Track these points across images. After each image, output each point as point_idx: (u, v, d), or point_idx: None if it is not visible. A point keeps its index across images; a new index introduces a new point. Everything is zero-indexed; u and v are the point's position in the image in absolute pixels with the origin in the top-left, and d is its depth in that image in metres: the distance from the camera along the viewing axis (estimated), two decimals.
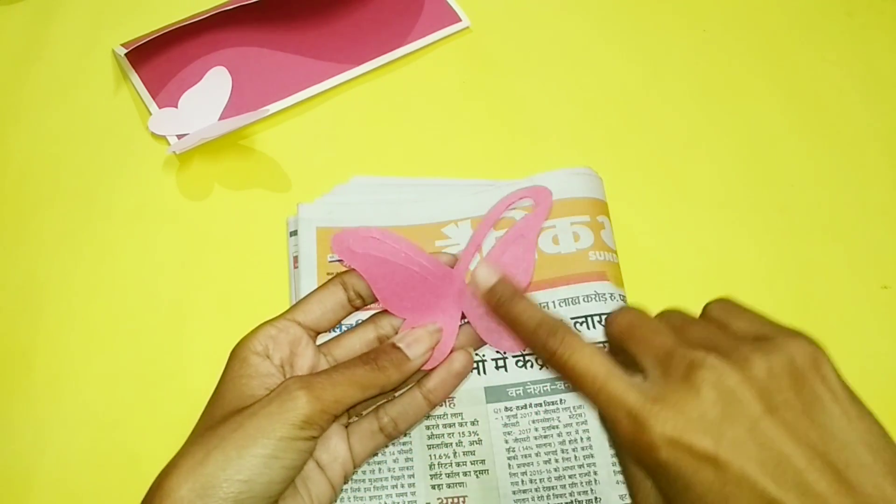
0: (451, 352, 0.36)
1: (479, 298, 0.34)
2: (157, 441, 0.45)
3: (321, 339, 0.37)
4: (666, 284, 0.51)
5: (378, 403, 0.36)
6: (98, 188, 0.53)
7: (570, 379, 0.29)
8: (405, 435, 0.38)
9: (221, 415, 0.32)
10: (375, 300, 0.36)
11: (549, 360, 0.29)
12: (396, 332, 0.36)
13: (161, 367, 0.48)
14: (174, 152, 0.53)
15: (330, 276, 0.36)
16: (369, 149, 0.55)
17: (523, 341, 0.31)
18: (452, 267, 0.37)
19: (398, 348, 0.34)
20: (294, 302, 0.42)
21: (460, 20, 0.60)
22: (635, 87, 0.58)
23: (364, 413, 0.36)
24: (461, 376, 0.36)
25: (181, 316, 0.49)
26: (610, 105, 0.57)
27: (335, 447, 0.34)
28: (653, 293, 0.50)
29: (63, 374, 0.47)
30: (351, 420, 0.36)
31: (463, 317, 0.37)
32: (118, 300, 0.49)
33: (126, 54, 0.55)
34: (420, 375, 0.36)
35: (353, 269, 0.36)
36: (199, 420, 0.33)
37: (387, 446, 0.38)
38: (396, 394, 0.36)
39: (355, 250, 0.35)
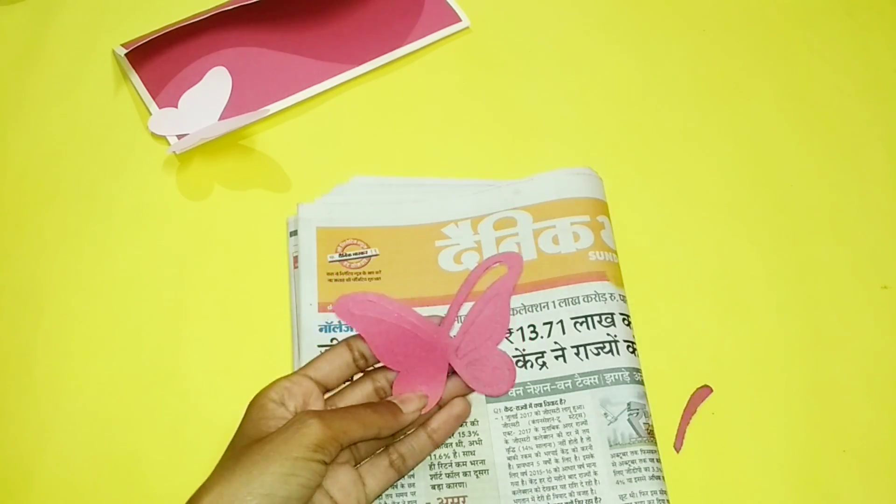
0: (439, 401, 0.42)
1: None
2: (158, 441, 0.46)
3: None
4: (665, 284, 0.51)
5: (388, 443, 0.42)
6: (98, 188, 0.53)
7: None
8: (412, 471, 0.42)
9: (242, 446, 0.36)
10: (376, 361, 0.41)
11: None
12: (391, 385, 0.42)
13: (161, 366, 0.48)
14: (174, 152, 0.53)
15: (335, 343, 0.43)
16: (369, 148, 0.55)
17: None
18: (439, 324, 0.42)
19: (393, 404, 0.40)
20: (294, 309, 0.48)
21: (460, 20, 0.60)
22: (635, 87, 0.58)
23: (377, 453, 0.41)
24: (461, 419, 0.43)
25: (181, 316, 0.49)
26: (610, 105, 0.57)
27: (348, 484, 0.39)
28: (652, 293, 0.50)
29: (63, 374, 0.47)
30: (363, 462, 0.41)
31: (450, 368, 0.42)
32: (118, 300, 0.49)
33: (126, 54, 0.55)
34: (426, 419, 0.42)
35: (359, 335, 0.41)
36: (222, 457, 0.37)
37: (397, 481, 0.42)
38: (405, 435, 0.42)
39: (354, 312, 0.40)
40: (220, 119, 0.54)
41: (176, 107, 0.55)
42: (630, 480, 0.42)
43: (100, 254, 0.51)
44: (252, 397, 0.39)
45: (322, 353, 0.41)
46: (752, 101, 0.58)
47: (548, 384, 0.45)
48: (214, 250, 0.51)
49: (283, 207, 0.52)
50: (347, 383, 0.42)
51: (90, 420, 0.46)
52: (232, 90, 0.55)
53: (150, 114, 0.55)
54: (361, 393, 0.41)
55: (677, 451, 0.45)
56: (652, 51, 0.60)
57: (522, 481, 0.43)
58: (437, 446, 0.42)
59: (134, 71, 0.56)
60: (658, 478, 0.42)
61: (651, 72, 0.59)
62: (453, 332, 0.43)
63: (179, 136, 0.54)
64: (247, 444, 0.36)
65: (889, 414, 0.47)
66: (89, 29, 0.58)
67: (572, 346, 0.45)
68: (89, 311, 0.49)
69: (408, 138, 0.56)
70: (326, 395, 0.41)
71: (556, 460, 0.43)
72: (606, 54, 0.59)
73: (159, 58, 0.56)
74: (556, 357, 0.45)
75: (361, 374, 0.42)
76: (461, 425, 0.43)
